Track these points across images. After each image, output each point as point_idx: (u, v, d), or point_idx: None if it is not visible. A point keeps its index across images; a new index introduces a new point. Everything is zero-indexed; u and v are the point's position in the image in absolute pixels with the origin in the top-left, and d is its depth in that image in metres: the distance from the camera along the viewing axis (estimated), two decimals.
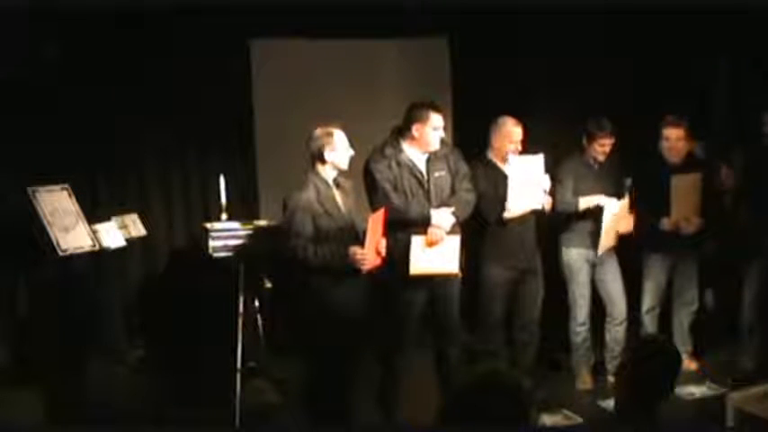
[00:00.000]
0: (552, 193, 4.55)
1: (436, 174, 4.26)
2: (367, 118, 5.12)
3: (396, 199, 4.14)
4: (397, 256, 4.12)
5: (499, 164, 4.56)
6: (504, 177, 4.51)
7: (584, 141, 4.75)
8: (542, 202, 4.47)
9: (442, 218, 4.18)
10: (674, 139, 4.81)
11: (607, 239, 4.69)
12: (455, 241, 4.22)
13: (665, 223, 4.75)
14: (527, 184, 4.39)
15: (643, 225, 4.79)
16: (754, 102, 5.11)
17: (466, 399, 1.98)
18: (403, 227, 4.14)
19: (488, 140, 4.57)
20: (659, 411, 2.56)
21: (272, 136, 5.68)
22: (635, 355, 2.72)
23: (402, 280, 4.17)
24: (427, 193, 4.22)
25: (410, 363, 4.35)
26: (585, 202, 4.68)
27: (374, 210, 4.08)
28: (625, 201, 4.73)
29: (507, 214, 4.43)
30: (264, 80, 5.70)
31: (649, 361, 2.61)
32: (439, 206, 4.20)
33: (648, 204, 4.75)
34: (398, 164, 4.19)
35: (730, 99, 5.92)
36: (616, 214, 4.67)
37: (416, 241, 4.14)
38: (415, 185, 4.20)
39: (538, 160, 4.38)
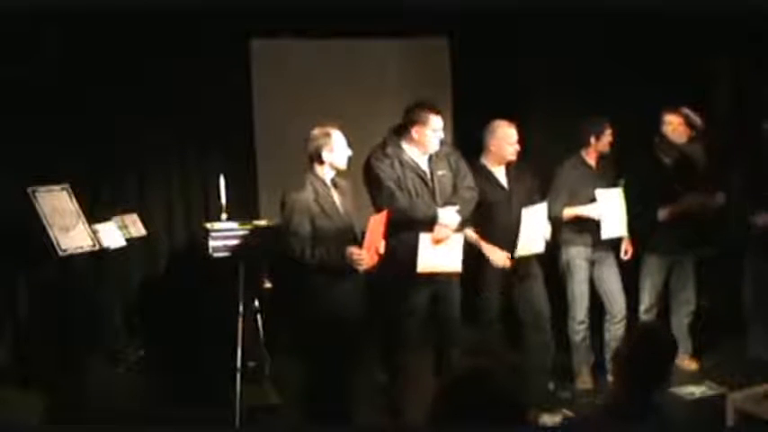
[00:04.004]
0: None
1: (439, 173, 4.26)
2: (367, 118, 5.12)
3: (401, 198, 4.14)
4: (404, 255, 4.12)
5: (493, 169, 4.57)
6: (497, 183, 4.52)
7: (593, 139, 4.79)
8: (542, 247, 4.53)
9: (450, 216, 4.18)
10: (676, 123, 4.96)
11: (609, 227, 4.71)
12: (459, 239, 4.23)
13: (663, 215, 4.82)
14: (535, 231, 4.43)
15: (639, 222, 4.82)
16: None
17: (447, 394, 1.94)
18: (409, 226, 4.13)
19: (484, 146, 4.57)
20: (655, 397, 2.55)
21: (272, 136, 5.67)
22: (630, 340, 2.72)
23: (406, 279, 4.16)
24: (432, 192, 4.22)
25: (411, 362, 4.34)
26: (572, 211, 4.72)
27: (377, 208, 4.08)
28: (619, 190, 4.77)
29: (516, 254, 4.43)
30: (264, 80, 5.70)
31: (644, 346, 2.62)
32: (444, 205, 4.20)
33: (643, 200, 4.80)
34: (401, 163, 4.19)
35: (731, 97, 5.93)
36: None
37: (424, 239, 4.13)
38: (419, 185, 4.20)
39: (542, 208, 4.47)
